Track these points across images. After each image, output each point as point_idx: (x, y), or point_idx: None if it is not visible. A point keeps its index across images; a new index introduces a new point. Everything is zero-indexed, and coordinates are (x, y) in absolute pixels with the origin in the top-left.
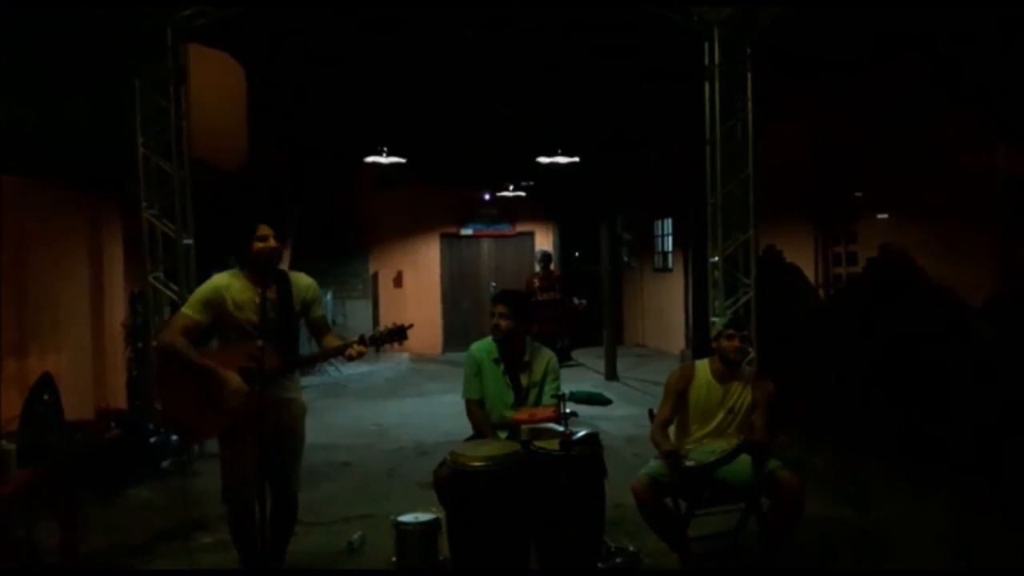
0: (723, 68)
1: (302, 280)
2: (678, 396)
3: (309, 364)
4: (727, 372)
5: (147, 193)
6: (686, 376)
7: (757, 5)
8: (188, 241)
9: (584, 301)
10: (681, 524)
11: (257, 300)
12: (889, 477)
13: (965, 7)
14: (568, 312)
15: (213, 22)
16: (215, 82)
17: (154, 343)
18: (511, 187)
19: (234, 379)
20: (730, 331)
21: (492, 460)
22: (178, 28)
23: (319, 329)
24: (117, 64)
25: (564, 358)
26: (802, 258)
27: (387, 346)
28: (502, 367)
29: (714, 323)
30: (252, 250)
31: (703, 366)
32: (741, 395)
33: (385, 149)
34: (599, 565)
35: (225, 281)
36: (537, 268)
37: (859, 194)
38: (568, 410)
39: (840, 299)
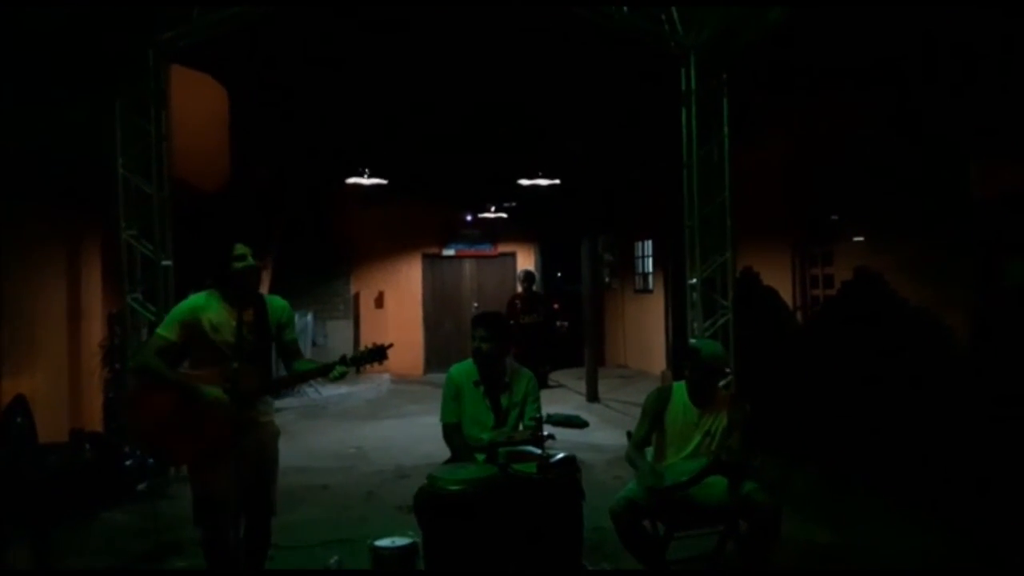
0: (699, 93)
1: (276, 302)
2: (654, 417)
3: (288, 386)
4: (703, 395)
5: (126, 214)
6: (663, 398)
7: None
8: (167, 262)
9: (566, 324)
10: (659, 547)
11: (234, 322)
12: (867, 499)
13: (936, 24)
14: (551, 336)
15: (195, 43)
16: (197, 103)
17: (129, 363)
18: (493, 208)
19: (212, 391)
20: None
21: (469, 483)
22: (160, 49)
23: (290, 352)
24: (98, 85)
25: (543, 383)
26: (779, 280)
27: (367, 367)
28: (482, 389)
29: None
30: (230, 270)
31: (680, 388)
32: (718, 417)
33: (367, 170)
34: None
35: (202, 302)
36: (519, 288)
37: (835, 217)
38: (546, 432)
39: (816, 321)
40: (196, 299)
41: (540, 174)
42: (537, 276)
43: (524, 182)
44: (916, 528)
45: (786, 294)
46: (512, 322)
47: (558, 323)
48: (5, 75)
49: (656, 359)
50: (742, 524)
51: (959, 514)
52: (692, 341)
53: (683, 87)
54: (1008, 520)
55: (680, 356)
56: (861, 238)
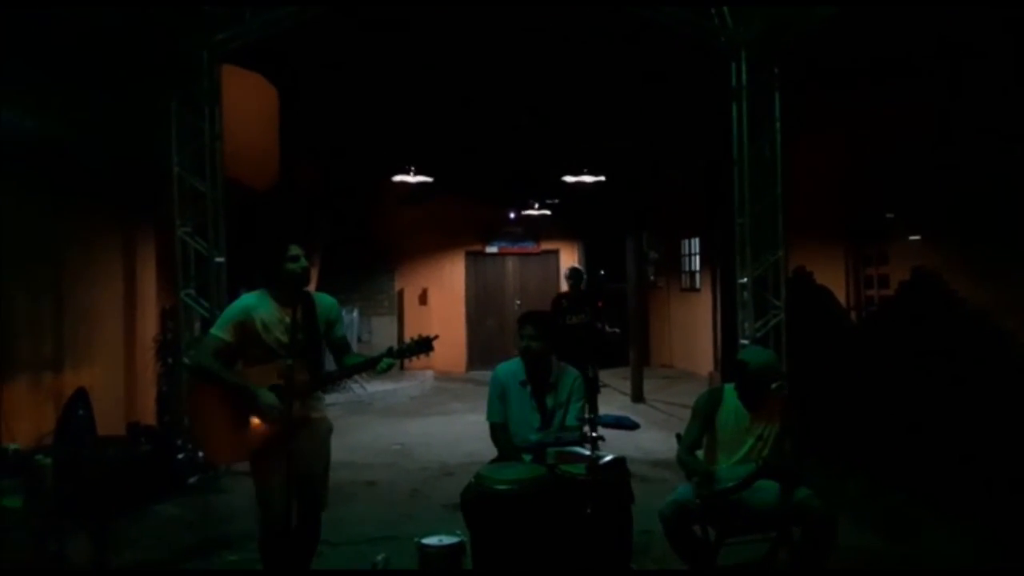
0: (750, 88)
1: (325, 300)
2: (705, 420)
3: (338, 380)
4: (755, 398)
5: (180, 211)
6: (714, 400)
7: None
8: (220, 259)
9: (617, 331)
10: (709, 552)
11: (286, 320)
12: (923, 506)
13: (997, 16)
14: (598, 339)
15: (247, 45)
16: (248, 103)
17: (186, 361)
18: (536, 205)
19: (267, 395)
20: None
21: (518, 483)
22: (214, 51)
23: (340, 348)
24: (154, 85)
25: (594, 388)
26: (833, 280)
27: (412, 361)
28: (528, 389)
29: (743, 345)
30: (283, 270)
31: (731, 391)
32: (770, 421)
33: (412, 168)
34: None
35: (253, 301)
36: (565, 286)
37: (890, 215)
38: (595, 434)
39: (872, 322)
40: (248, 299)
41: (585, 171)
42: (584, 274)
43: (569, 179)
44: (971, 537)
45: (840, 294)
46: (558, 322)
47: (608, 328)
48: (64, 75)
49: (703, 360)
50: (795, 531)
51: (1016, 524)
52: (741, 353)
53: (733, 82)
54: None
55: (729, 368)
56: (917, 237)
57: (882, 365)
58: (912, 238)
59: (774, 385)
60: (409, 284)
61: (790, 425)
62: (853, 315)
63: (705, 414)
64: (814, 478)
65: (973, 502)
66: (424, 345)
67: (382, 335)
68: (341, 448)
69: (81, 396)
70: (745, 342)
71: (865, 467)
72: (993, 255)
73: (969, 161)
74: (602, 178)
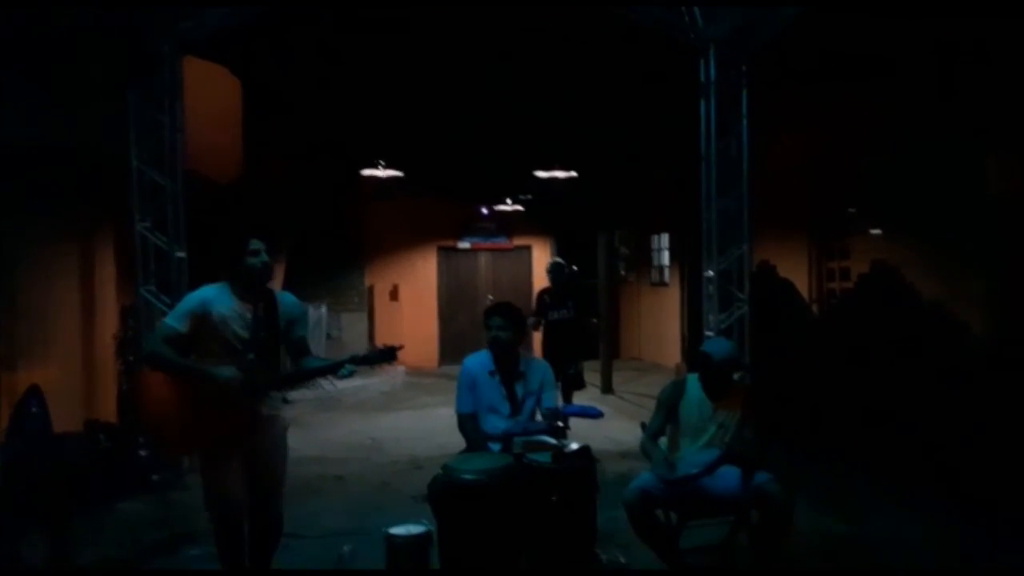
0: (718, 85)
1: (288, 299)
2: (669, 410)
3: (296, 382)
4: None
5: (140, 206)
6: (678, 391)
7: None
8: (181, 254)
9: (595, 320)
10: (672, 536)
11: (247, 316)
12: (881, 491)
13: (956, 21)
14: (582, 335)
15: (210, 34)
16: (211, 95)
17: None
18: (509, 201)
19: (225, 369)
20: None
21: (484, 473)
22: (175, 40)
23: (299, 349)
24: (112, 77)
25: (578, 384)
26: (796, 273)
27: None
28: (497, 379)
29: (708, 336)
30: (243, 264)
31: (694, 380)
32: (732, 410)
33: (382, 162)
34: None
35: (213, 294)
36: (548, 282)
37: (852, 210)
38: (561, 423)
39: (833, 314)
40: (207, 291)
41: (557, 166)
42: (566, 267)
43: (541, 174)
44: (931, 519)
45: (803, 287)
46: (542, 320)
47: (592, 320)
48: (16, 70)
49: (670, 352)
50: (754, 514)
51: (974, 505)
52: (704, 345)
53: (702, 78)
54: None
55: (694, 359)
56: (878, 232)
57: (842, 355)
58: (873, 232)
59: (736, 375)
60: (380, 280)
61: (751, 413)
62: (815, 307)
63: (669, 404)
64: (774, 464)
65: (931, 486)
66: (387, 355)
67: (352, 332)
68: (310, 443)
69: (34, 393)
70: (710, 334)
71: (825, 453)
72: (949, 250)
73: (928, 158)
74: (574, 173)
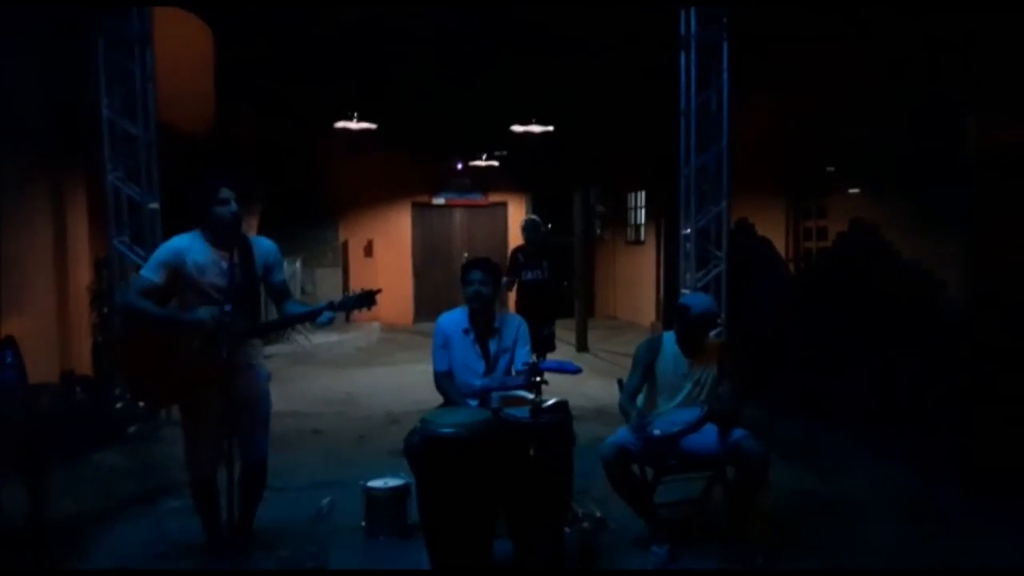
0: (699, 38)
1: (263, 243)
2: (646, 368)
3: (277, 328)
4: (692, 346)
5: (112, 157)
6: (654, 348)
7: None
8: (154, 205)
9: (566, 283)
10: (647, 491)
11: (222, 263)
12: (855, 446)
13: None
14: (555, 297)
15: None
16: (182, 43)
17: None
18: (484, 156)
19: (202, 315)
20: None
21: (462, 426)
22: None
23: (280, 294)
24: (80, 24)
25: (551, 346)
26: (773, 231)
27: (357, 315)
28: (471, 336)
29: (684, 294)
30: (212, 214)
31: (670, 338)
32: (708, 366)
33: (355, 114)
34: (566, 530)
35: (186, 243)
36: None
37: (831, 168)
38: (538, 378)
39: (810, 272)
40: (180, 240)
41: (533, 121)
42: (542, 225)
43: (517, 129)
44: (905, 475)
45: (780, 245)
46: (514, 279)
47: (564, 282)
48: None
49: (646, 310)
50: (729, 470)
51: (948, 461)
52: (683, 298)
53: (682, 31)
54: (993, 466)
55: (671, 314)
56: (856, 190)
57: (818, 313)
58: (851, 191)
59: (713, 332)
60: (354, 235)
61: (727, 369)
62: (791, 265)
63: (645, 362)
64: (749, 420)
65: (903, 443)
66: (366, 299)
67: (326, 287)
68: (286, 397)
69: (9, 344)
70: (686, 292)
71: (800, 410)
72: (927, 209)
73: (907, 118)
74: (550, 128)
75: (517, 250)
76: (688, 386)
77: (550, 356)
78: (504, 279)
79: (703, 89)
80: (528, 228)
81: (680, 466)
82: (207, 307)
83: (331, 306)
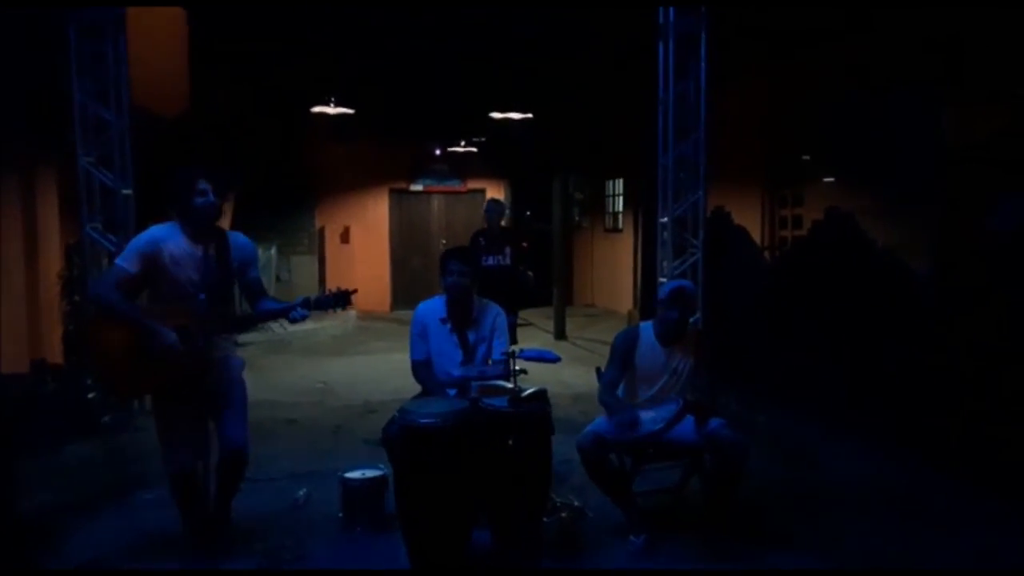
0: (677, 28)
1: (240, 239)
2: (624, 359)
3: (251, 325)
4: (669, 335)
5: (84, 141)
6: (631, 339)
7: None
8: (127, 191)
9: (531, 274)
10: (625, 480)
11: (198, 256)
12: (831, 434)
13: None
14: (517, 284)
15: None
16: (155, 27)
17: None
18: (463, 142)
19: (168, 335)
20: (673, 304)
21: (440, 416)
22: None
23: (254, 291)
24: (51, 8)
25: (512, 339)
26: (750, 220)
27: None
28: (449, 326)
29: (661, 283)
30: (190, 206)
31: (647, 328)
32: (684, 356)
33: (332, 99)
34: (544, 520)
35: (163, 234)
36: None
37: (807, 158)
38: (517, 367)
39: (785, 261)
40: (157, 231)
41: (512, 107)
42: (507, 208)
43: (496, 115)
44: (882, 463)
45: (755, 234)
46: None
47: (528, 272)
48: None
49: (623, 298)
50: (707, 458)
51: (922, 448)
52: (677, 282)
53: (661, 20)
54: (968, 452)
55: (650, 304)
56: (831, 179)
57: (793, 301)
58: (827, 180)
59: (691, 319)
60: (330, 222)
61: (704, 358)
62: (767, 254)
63: (623, 354)
64: (726, 409)
65: (879, 430)
66: (342, 299)
67: (301, 274)
68: (261, 387)
69: None
70: (663, 280)
71: (778, 398)
72: (901, 198)
73: (883, 108)
74: (530, 115)
75: (478, 233)
76: (665, 376)
77: (530, 339)
78: None
79: (681, 78)
80: (491, 210)
81: (657, 455)
82: (182, 305)
83: (306, 303)
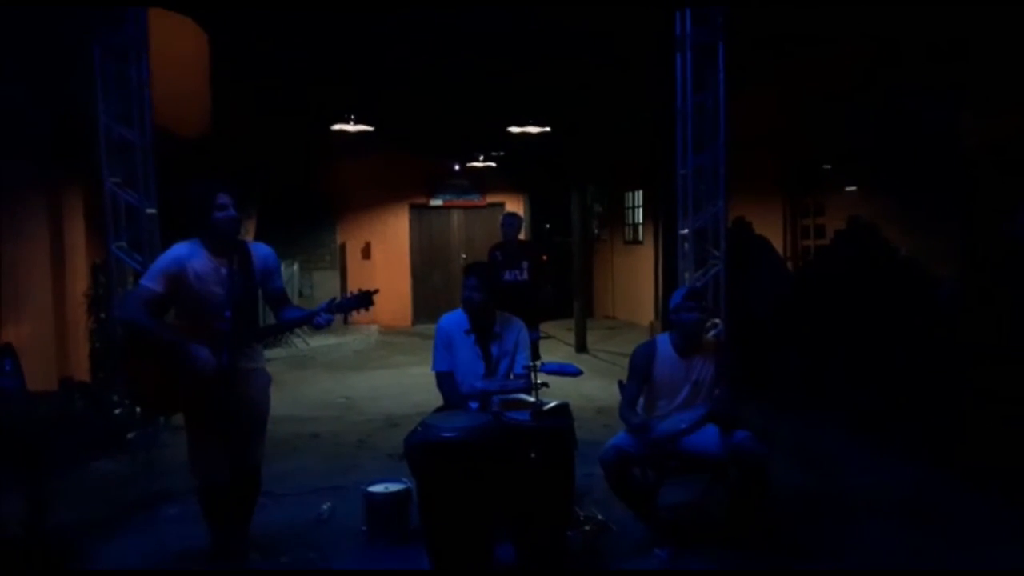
0: (694, 38)
1: (262, 250)
2: (643, 374)
3: (276, 334)
4: (688, 344)
5: (109, 162)
6: (649, 353)
7: None
8: (151, 210)
9: (550, 288)
10: (649, 493)
11: (221, 271)
12: (856, 444)
13: None
14: (535, 300)
15: None
16: (177, 48)
17: (115, 314)
18: (481, 157)
19: (201, 350)
20: (689, 303)
21: (463, 430)
22: None
23: (278, 300)
24: (76, 29)
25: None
26: (771, 230)
27: (355, 317)
28: (473, 338)
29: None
30: (211, 220)
31: (664, 341)
32: (704, 366)
33: (352, 117)
34: (568, 533)
35: (186, 252)
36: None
37: (828, 166)
38: (539, 381)
39: (808, 270)
40: (180, 249)
41: (530, 122)
42: (524, 220)
43: (514, 130)
44: (906, 473)
45: (777, 244)
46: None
47: (548, 286)
48: None
49: (644, 310)
50: (731, 472)
51: (947, 459)
52: (684, 286)
53: (678, 31)
54: (993, 463)
55: (686, 296)
56: (853, 188)
57: (817, 311)
58: (848, 189)
59: (712, 332)
60: (351, 237)
61: (725, 367)
62: (790, 264)
63: (642, 368)
64: (750, 420)
65: (905, 441)
66: (364, 300)
67: (324, 290)
68: (284, 402)
69: (8, 351)
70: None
71: (801, 409)
72: (924, 205)
73: (903, 114)
74: (547, 129)
75: (496, 248)
76: (687, 387)
77: (553, 352)
78: None
79: (699, 89)
80: (507, 223)
81: (681, 468)
82: (208, 320)
83: (329, 307)
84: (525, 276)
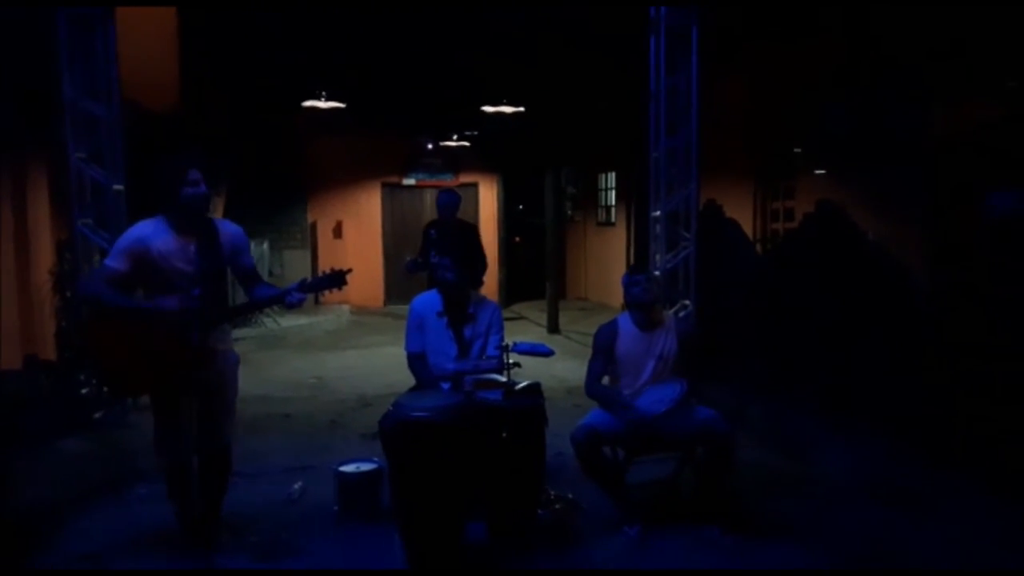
0: (668, 22)
1: (230, 227)
2: (606, 353)
3: (248, 312)
4: (647, 319)
5: (74, 137)
6: (611, 331)
7: None
8: (118, 187)
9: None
10: (619, 472)
11: (190, 248)
12: (823, 427)
13: None
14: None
15: None
16: (145, 21)
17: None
18: (455, 136)
19: (169, 303)
20: (635, 278)
21: (435, 410)
22: None
23: (248, 278)
24: (39, 2)
25: None
26: (742, 213)
27: (326, 297)
28: (445, 320)
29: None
30: (180, 195)
31: (625, 319)
32: (667, 339)
33: (324, 93)
34: (539, 512)
35: (149, 231)
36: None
37: (798, 150)
38: (511, 361)
39: (777, 253)
40: (142, 227)
41: (505, 101)
42: (460, 200)
43: (488, 109)
44: (873, 455)
45: (747, 227)
46: (424, 261)
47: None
48: None
49: (616, 292)
50: (699, 450)
51: (913, 441)
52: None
53: (652, 14)
54: (961, 445)
55: (631, 271)
56: (823, 171)
57: (784, 294)
58: (818, 172)
59: (681, 312)
60: (323, 216)
61: (687, 343)
62: (759, 246)
63: (605, 347)
64: (722, 401)
65: (872, 422)
66: (337, 279)
67: (294, 269)
68: (255, 382)
69: None
70: (657, 273)
71: (769, 390)
72: (891, 191)
73: (872, 100)
74: (522, 109)
75: (431, 225)
76: (651, 362)
77: (526, 332)
78: (407, 260)
79: (672, 72)
80: (443, 201)
81: (650, 447)
82: (173, 295)
83: (302, 286)
84: (454, 276)
